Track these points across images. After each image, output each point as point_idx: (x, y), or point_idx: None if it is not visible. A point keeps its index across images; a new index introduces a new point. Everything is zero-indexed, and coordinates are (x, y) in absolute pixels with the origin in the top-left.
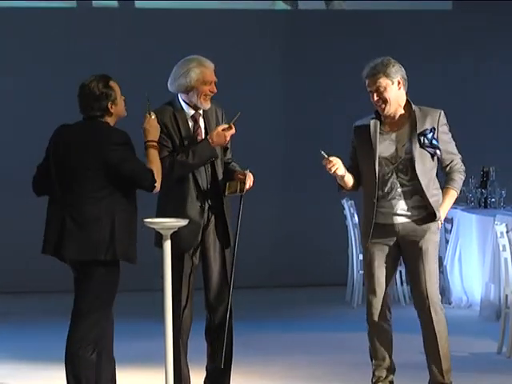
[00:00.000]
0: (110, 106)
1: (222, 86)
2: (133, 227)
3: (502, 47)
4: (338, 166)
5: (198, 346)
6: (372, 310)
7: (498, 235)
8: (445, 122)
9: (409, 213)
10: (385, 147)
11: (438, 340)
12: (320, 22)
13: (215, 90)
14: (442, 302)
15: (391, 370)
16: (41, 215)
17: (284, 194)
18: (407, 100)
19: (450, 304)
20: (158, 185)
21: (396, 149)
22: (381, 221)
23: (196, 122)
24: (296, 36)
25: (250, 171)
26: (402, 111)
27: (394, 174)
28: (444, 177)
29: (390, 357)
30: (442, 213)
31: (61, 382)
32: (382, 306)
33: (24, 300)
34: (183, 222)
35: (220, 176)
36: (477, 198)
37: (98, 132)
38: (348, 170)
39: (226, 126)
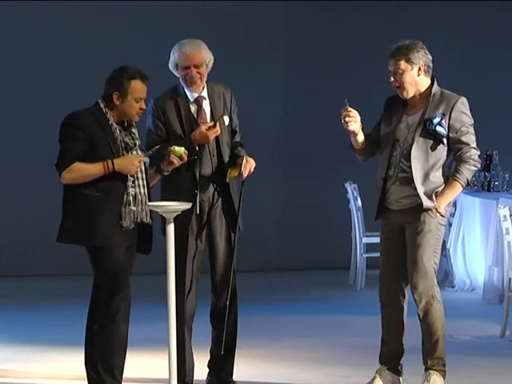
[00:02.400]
0: (115, 96)
1: (222, 69)
2: (98, 211)
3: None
4: (355, 120)
5: (202, 330)
6: (383, 292)
7: (501, 218)
8: (462, 109)
9: (405, 200)
10: (400, 130)
11: (423, 328)
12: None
13: (194, 75)
14: (445, 285)
15: (399, 352)
16: (40, 201)
17: (287, 177)
18: (432, 85)
19: (453, 287)
20: (64, 176)
21: (407, 133)
22: (386, 204)
23: (200, 106)
24: (297, 22)
25: (250, 156)
26: (424, 96)
27: (399, 159)
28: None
29: (401, 339)
30: (440, 202)
31: (61, 364)
32: (394, 288)
33: (24, 284)
34: (187, 206)
35: (226, 160)
36: (480, 182)
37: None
38: (365, 135)
39: (211, 124)
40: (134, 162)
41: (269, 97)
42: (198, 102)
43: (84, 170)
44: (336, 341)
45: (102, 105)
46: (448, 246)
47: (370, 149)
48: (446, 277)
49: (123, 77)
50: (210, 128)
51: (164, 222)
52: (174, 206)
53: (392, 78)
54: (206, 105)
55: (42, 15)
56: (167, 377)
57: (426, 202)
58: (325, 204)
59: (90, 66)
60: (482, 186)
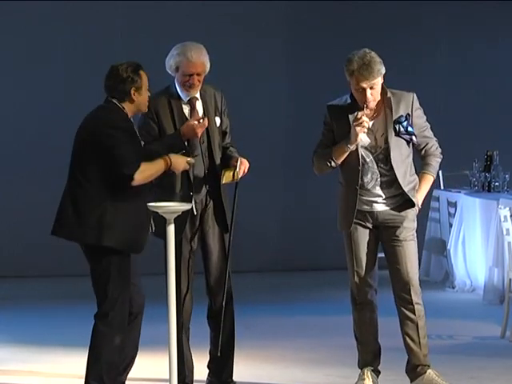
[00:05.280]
0: (133, 92)
1: (222, 69)
2: (130, 215)
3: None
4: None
5: (202, 331)
6: (357, 293)
7: (502, 219)
8: (418, 105)
9: (388, 201)
10: (363, 136)
11: (418, 323)
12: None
13: (195, 83)
14: (445, 285)
15: (377, 352)
16: (39, 201)
17: (287, 177)
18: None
19: (453, 288)
20: (136, 178)
21: (375, 138)
22: (361, 208)
23: (193, 106)
24: (299, 22)
25: (244, 157)
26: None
27: (375, 164)
28: (420, 161)
29: (376, 339)
30: (419, 199)
31: (60, 365)
32: (367, 288)
33: (24, 284)
34: (187, 206)
35: (218, 161)
36: (480, 182)
37: (100, 112)
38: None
39: (199, 117)
40: (185, 162)
41: (269, 97)
42: (192, 102)
43: (152, 169)
44: (337, 341)
45: (120, 106)
46: (448, 247)
47: None
48: (446, 277)
49: (132, 71)
50: (198, 122)
51: (159, 222)
52: (174, 207)
53: (370, 95)
54: (198, 105)
55: (42, 15)
56: (167, 377)
57: (415, 199)
58: (325, 204)
59: (90, 65)
60: (482, 186)
